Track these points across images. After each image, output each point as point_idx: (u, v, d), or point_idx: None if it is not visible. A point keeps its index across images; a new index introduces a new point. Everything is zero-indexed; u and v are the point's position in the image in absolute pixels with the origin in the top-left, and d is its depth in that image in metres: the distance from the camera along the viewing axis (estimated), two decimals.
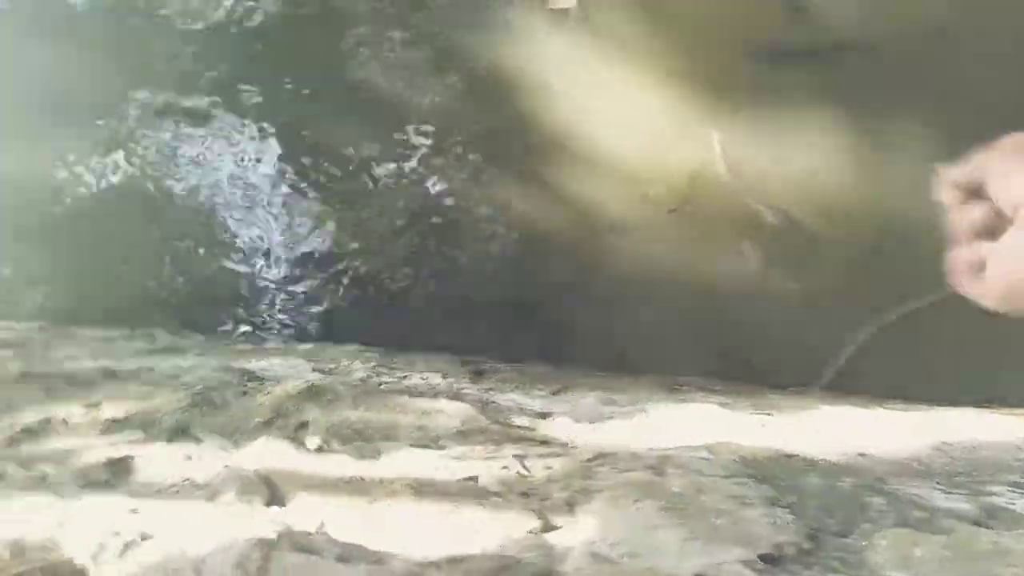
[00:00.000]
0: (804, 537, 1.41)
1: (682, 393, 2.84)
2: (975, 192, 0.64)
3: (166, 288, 4.21)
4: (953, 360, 3.17)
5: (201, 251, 4.22)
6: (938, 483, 1.83)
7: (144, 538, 1.22)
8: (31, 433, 1.89)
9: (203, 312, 4.11)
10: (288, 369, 2.75)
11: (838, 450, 2.09)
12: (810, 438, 2.23)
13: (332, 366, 2.88)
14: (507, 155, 3.82)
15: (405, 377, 2.73)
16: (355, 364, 2.94)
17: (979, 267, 0.62)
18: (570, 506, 1.58)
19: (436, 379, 2.74)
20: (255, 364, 2.77)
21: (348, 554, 1.29)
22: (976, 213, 0.63)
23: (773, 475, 1.78)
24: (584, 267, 3.66)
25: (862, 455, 2.04)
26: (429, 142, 3.92)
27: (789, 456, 1.94)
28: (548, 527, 1.49)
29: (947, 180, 0.66)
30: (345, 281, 3.97)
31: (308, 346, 3.49)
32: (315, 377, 2.54)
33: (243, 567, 1.10)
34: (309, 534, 1.33)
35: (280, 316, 4.01)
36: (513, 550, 1.34)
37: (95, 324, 3.94)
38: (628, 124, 3.58)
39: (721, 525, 1.42)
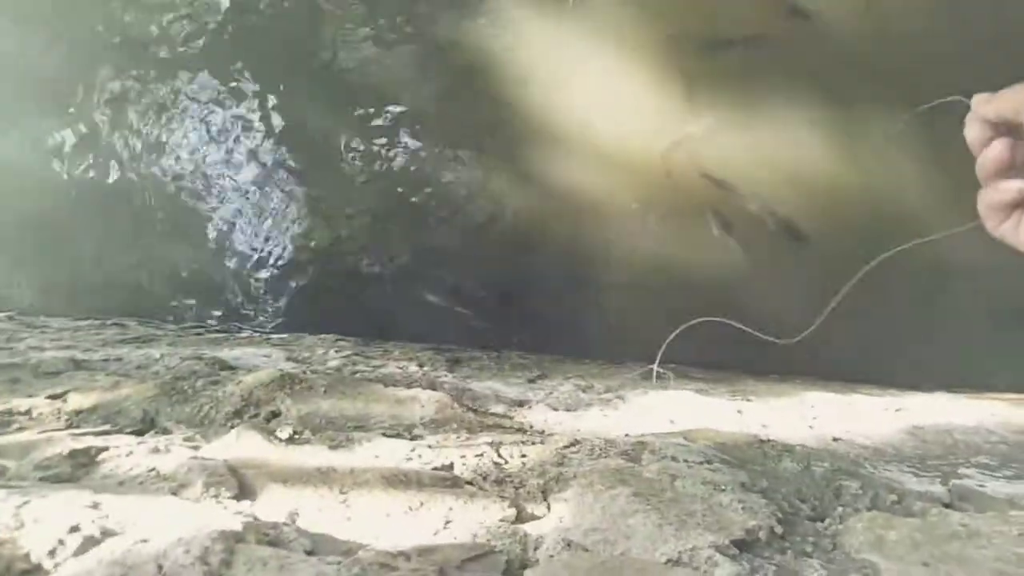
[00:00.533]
0: (777, 521, 1.41)
1: (660, 380, 2.84)
2: (1004, 129, 0.61)
3: (138, 277, 4.13)
4: (926, 346, 3.20)
5: (175, 240, 4.15)
6: (911, 466, 1.84)
7: (104, 533, 1.18)
8: None
9: (176, 300, 4.04)
10: (261, 358, 2.70)
11: (813, 435, 2.10)
12: (786, 424, 2.23)
13: (307, 355, 2.84)
14: (489, 142, 3.78)
15: (381, 366, 2.70)
16: (330, 353, 2.90)
17: (1009, 208, 0.59)
18: (544, 494, 1.57)
19: (412, 367, 2.71)
20: (228, 353, 2.73)
21: (317, 545, 1.27)
22: (1000, 151, 0.61)
23: (748, 460, 1.78)
24: (565, 255, 3.64)
25: (837, 440, 2.05)
26: (411, 129, 3.87)
27: (764, 442, 1.94)
28: (522, 515, 1.47)
29: (978, 115, 0.63)
30: (322, 269, 3.92)
31: (283, 335, 3.44)
32: (288, 366, 2.50)
33: (205, 560, 1.07)
34: (277, 525, 1.30)
35: (256, 304, 3.95)
36: (486, 538, 1.33)
37: (66, 314, 3.86)
38: (611, 111, 3.56)
39: (695, 511, 1.41)
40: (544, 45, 3.61)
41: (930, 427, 2.21)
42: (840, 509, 1.53)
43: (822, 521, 1.49)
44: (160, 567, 1.06)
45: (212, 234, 4.08)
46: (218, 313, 3.95)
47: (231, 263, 4.02)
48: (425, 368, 2.72)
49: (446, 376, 2.61)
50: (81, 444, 1.71)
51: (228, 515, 1.28)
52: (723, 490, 1.53)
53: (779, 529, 1.39)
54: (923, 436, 2.13)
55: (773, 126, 3.35)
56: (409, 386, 2.22)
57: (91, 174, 4.26)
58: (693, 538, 1.29)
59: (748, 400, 2.54)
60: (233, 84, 4.10)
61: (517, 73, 3.65)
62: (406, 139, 3.86)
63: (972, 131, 0.63)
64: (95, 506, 1.28)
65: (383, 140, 3.87)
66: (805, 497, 1.59)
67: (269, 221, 4.03)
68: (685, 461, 1.69)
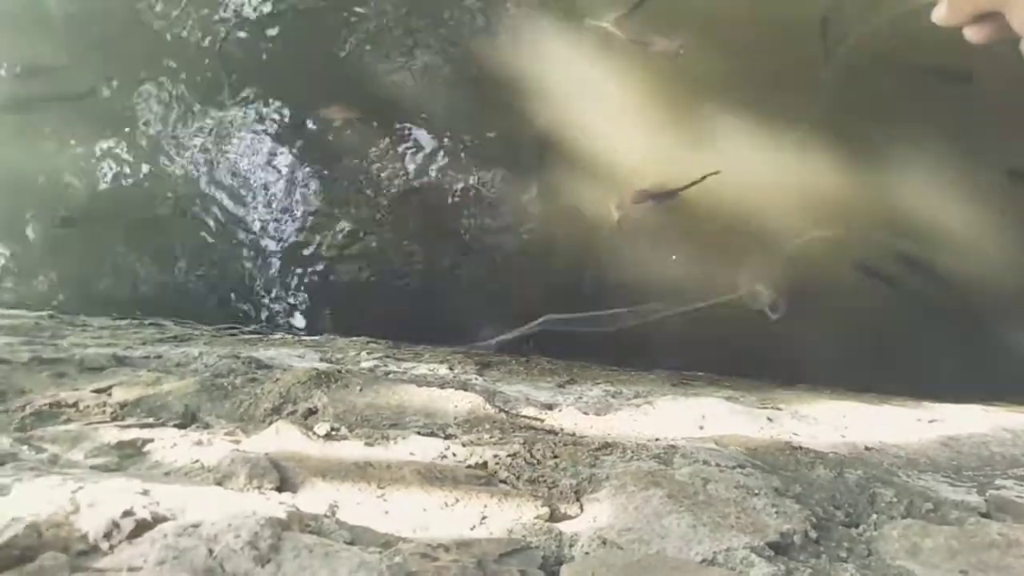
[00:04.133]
0: (812, 526, 1.41)
1: (689, 387, 2.84)
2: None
3: (174, 280, 4.23)
4: (958, 360, 3.17)
5: (207, 244, 4.24)
6: (946, 476, 1.82)
7: (156, 518, 1.23)
8: (41, 416, 1.90)
9: (210, 303, 4.13)
10: (296, 358, 2.76)
11: (845, 444, 2.09)
12: (817, 432, 2.23)
13: (339, 356, 2.89)
14: (513, 157, 3.84)
15: (413, 367, 2.74)
16: (362, 355, 2.94)
17: None
18: (577, 494, 1.59)
19: (443, 370, 2.75)
20: (263, 353, 2.78)
21: (356, 537, 1.30)
22: None
23: (780, 466, 1.78)
24: (587, 266, 3.68)
25: (869, 449, 2.04)
26: (435, 143, 3.94)
27: (796, 448, 1.94)
28: (555, 515, 1.49)
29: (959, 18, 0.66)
30: (351, 274, 3.98)
31: (315, 337, 3.50)
32: (323, 366, 2.55)
33: (255, 545, 1.10)
34: (318, 517, 1.34)
35: (287, 308, 4.03)
36: (521, 535, 1.35)
37: (105, 314, 3.96)
38: (633, 131, 3.59)
39: (728, 513, 1.42)
40: (571, 62, 3.67)
41: (965, 439, 2.19)
42: (875, 516, 1.53)
43: (856, 527, 1.49)
44: (211, 551, 1.10)
45: (245, 239, 4.17)
46: (252, 315, 4.04)
47: (264, 267, 4.10)
48: (456, 371, 2.75)
49: (476, 379, 2.64)
50: (127, 436, 1.77)
51: (273, 505, 1.32)
52: (756, 494, 1.53)
53: (813, 534, 1.40)
54: (958, 447, 2.11)
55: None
56: (442, 387, 2.25)
57: (124, 179, 4.38)
58: (728, 539, 1.30)
59: (778, 408, 2.53)
60: (265, 91, 4.20)
61: (543, 89, 3.70)
62: (435, 153, 3.93)
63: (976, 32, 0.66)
64: (145, 493, 1.33)
65: (411, 152, 3.95)
66: (839, 503, 1.59)
67: (301, 227, 4.11)
68: (717, 465, 1.69)
